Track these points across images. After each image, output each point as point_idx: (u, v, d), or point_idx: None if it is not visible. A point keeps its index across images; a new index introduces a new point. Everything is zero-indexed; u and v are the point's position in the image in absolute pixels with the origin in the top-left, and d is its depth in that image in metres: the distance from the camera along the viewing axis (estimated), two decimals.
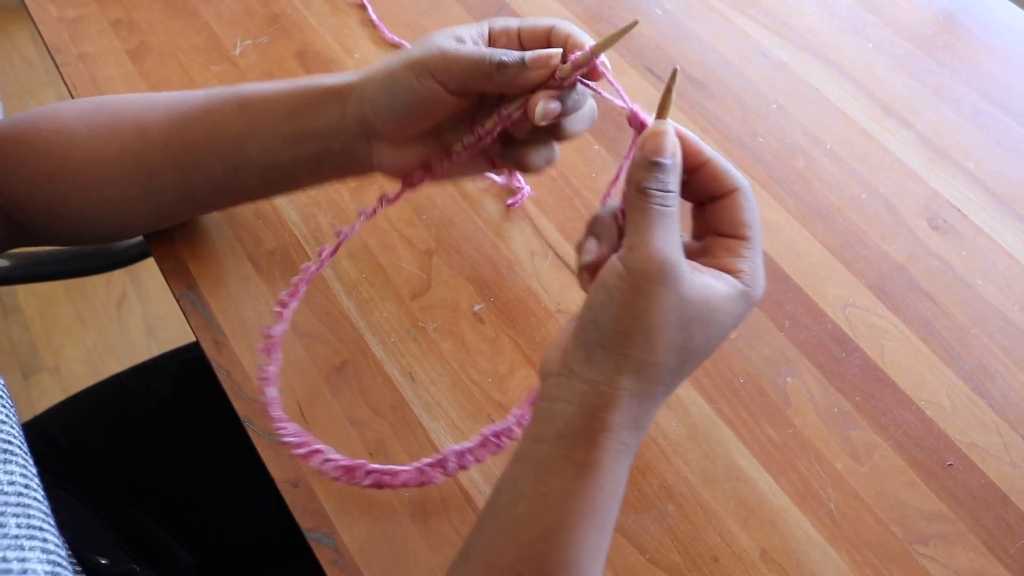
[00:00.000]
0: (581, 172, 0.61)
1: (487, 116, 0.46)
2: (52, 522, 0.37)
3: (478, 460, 0.46)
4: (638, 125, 0.40)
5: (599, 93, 0.43)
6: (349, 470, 0.46)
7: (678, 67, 0.38)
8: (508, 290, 0.55)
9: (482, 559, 0.37)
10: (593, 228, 0.41)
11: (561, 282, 0.56)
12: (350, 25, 0.70)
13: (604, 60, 0.42)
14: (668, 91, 0.38)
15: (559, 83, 0.43)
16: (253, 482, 0.66)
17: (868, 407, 0.51)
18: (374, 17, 0.70)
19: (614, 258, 0.37)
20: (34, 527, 0.35)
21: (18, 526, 0.34)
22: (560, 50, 0.42)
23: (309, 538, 0.46)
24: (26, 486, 0.36)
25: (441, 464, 0.46)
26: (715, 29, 0.71)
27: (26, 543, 0.34)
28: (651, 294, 0.35)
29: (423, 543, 0.46)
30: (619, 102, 0.42)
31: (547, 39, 0.44)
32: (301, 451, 0.46)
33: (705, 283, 0.37)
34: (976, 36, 0.72)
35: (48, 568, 0.34)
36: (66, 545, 0.49)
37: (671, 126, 0.38)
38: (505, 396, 0.51)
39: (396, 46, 0.69)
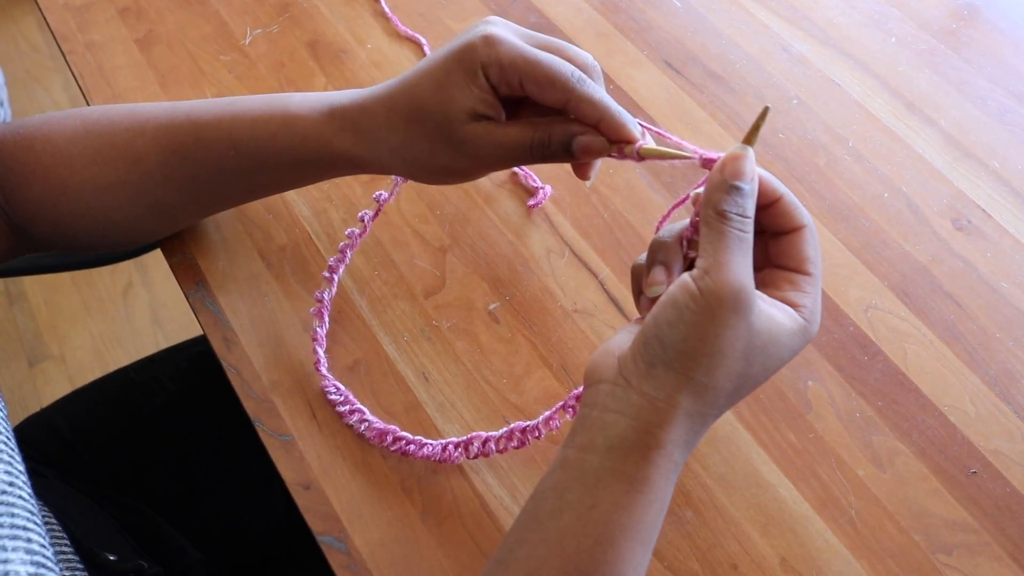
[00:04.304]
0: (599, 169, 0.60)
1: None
2: (39, 521, 0.36)
3: (500, 451, 0.47)
4: (710, 166, 0.40)
5: (660, 159, 0.42)
6: (381, 434, 0.48)
7: (769, 106, 0.38)
8: (524, 289, 0.54)
9: (523, 568, 0.36)
10: (658, 255, 0.40)
11: (578, 281, 0.55)
12: (362, 15, 0.69)
13: (648, 139, 0.42)
14: (756, 128, 0.38)
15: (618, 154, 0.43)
16: (261, 479, 0.66)
17: (890, 412, 0.50)
18: (386, 9, 0.69)
19: (687, 276, 0.36)
20: (17, 527, 0.34)
21: (0, 526, 0.33)
22: (606, 143, 0.42)
23: (321, 542, 0.45)
24: (10, 484, 0.36)
25: (465, 446, 0.47)
26: (735, 22, 0.70)
27: (8, 543, 0.33)
28: (723, 320, 0.35)
29: (437, 548, 0.45)
30: (686, 153, 0.41)
31: (563, 107, 0.42)
32: (343, 408, 0.49)
33: (771, 315, 0.37)
34: (1002, 31, 0.70)
35: (31, 569, 0.33)
36: (72, 541, 0.48)
37: (751, 152, 0.37)
38: (520, 398, 0.50)
39: (409, 39, 0.67)
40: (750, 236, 0.37)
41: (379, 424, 0.48)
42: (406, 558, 0.45)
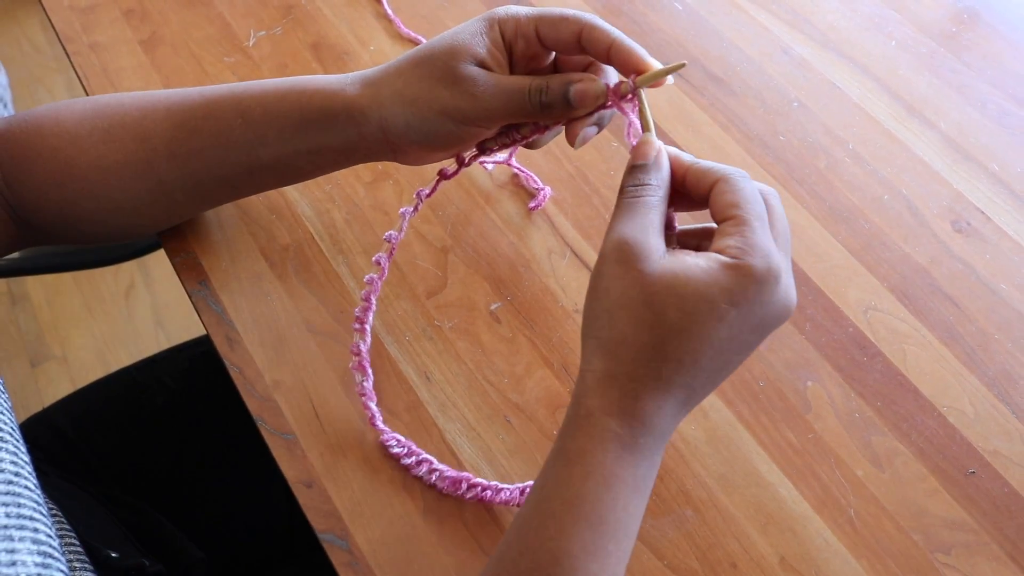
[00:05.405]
0: (600, 169, 0.60)
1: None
2: (44, 511, 0.36)
3: None
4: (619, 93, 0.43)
5: (654, 85, 0.43)
6: (455, 482, 0.46)
7: (643, 91, 0.42)
8: (525, 289, 0.55)
9: (495, 557, 0.38)
10: None
11: (579, 281, 0.55)
12: (365, 17, 0.70)
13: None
14: (641, 111, 0.42)
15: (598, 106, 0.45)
16: (263, 478, 0.66)
17: (890, 413, 0.51)
18: (389, 11, 0.69)
19: None
20: (24, 517, 0.34)
21: (7, 516, 0.34)
22: (603, 86, 0.43)
23: (323, 540, 0.45)
24: (16, 474, 0.36)
25: None
26: (736, 25, 0.70)
27: (15, 533, 0.33)
28: (609, 273, 0.36)
29: (438, 545, 0.45)
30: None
31: (576, 40, 0.44)
32: (409, 461, 0.47)
33: (675, 258, 0.36)
34: (1002, 34, 0.70)
35: (39, 559, 0.33)
36: (76, 538, 0.48)
37: (651, 136, 0.41)
38: (522, 397, 0.50)
39: (412, 40, 0.68)
40: (648, 199, 0.38)
41: (451, 473, 0.46)
42: (408, 556, 0.45)
